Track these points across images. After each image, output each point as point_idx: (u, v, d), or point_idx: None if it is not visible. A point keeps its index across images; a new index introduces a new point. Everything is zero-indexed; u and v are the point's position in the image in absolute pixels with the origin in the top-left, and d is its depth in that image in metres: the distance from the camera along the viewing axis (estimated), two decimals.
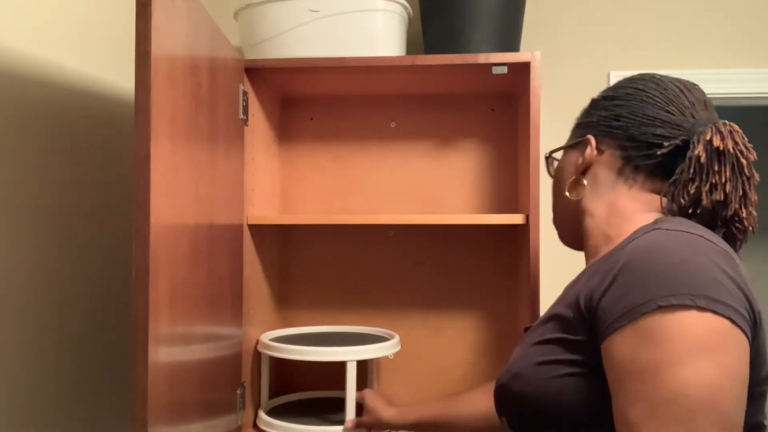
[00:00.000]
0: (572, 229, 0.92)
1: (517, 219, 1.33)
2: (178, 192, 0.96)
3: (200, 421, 1.07)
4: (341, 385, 1.38)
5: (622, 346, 0.67)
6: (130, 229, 1.35)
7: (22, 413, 1.07)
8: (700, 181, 0.77)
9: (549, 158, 1.04)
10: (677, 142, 0.81)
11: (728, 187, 0.76)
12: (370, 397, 1.32)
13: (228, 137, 1.24)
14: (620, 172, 0.85)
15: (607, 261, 0.75)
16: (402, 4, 1.45)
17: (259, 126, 1.49)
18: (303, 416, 1.41)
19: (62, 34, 1.18)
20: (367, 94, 1.63)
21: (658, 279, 0.66)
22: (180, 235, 0.97)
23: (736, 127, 0.79)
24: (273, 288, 1.61)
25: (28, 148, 1.08)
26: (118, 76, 1.36)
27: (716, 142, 0.77)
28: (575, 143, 0.92)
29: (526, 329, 0.94)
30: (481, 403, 1.18)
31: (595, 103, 0.92)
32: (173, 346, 0.94)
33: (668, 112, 0.83)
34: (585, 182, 0.88)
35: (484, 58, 1.31)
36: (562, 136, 1.00)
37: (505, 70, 1.33)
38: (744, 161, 0.77)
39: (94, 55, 1.28)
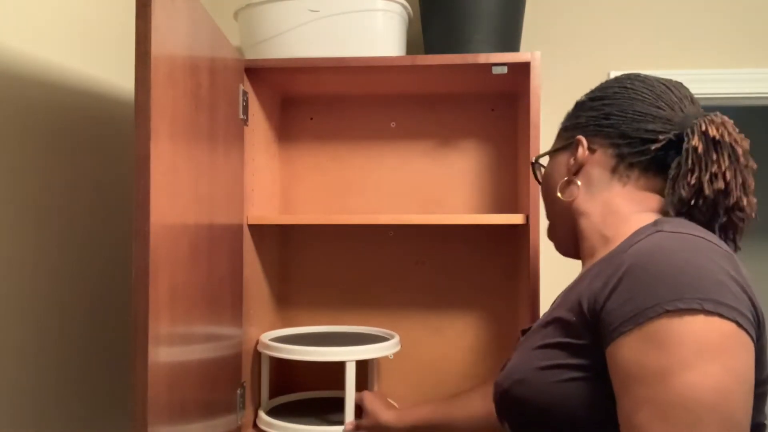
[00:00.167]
0: (568, 234, 0.91)
1: (517, 219, 1.33)
2: (178, 192, 0.96)
3: (200, 421, 1.07)
4: (341, 385, 1.38)
5: (628, 351, 0.66)
6: (130, 229, 1.35)
7: (22, 413, 1.07)
8: (700, 171, 0.77)
9: (535, 164, 1.03)
10: (670, 136, 0.81)
11: (728, 175, 0.77)
12: (368, 399, 1.32)
13: (228, 137, 1.24)
14: (614, 170, 0.85)
15: (609, 263, 0.74)
16: (402, 4, 1.45)
17: (259, 126, 1.49)
18: (303, 416, 1.41)
19: (62, 34, 1.18)
20: (367, 94, 1.63)
21: (664, 282, 0.66)
22: (180, 235, 0.97)
23: (726, 118, 0.80)
24: (273, 288, 1.61)
25: (28, 148, 1.08)
26: (118, 76, 1.36)
27: (712, 132, 0.77)
28: (564, 146, 0.92)
29: (524, 332, 0.94)
30: (479, 406, 1.18)
31: (581, 105, 0.92)
32: (173, 346, 0.94)
33: (658, 107, 0.83)
34: (579, 183, 0.88)
35: (484, 58, 1.31)
36: None
37: (505, 70, 1.33)
38: (740, 149, 0.78)
39: (94, 55, 1.28)
